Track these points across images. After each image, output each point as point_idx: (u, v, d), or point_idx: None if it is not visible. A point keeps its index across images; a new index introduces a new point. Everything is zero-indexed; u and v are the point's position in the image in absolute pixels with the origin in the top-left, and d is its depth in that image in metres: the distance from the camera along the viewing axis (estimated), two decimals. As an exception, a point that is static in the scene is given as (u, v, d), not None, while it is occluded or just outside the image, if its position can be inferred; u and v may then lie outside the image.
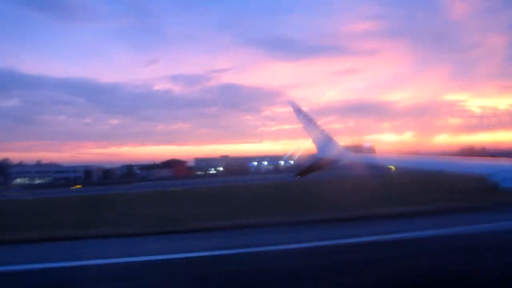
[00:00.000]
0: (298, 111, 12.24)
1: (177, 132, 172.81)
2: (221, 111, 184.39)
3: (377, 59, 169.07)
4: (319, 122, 12.07)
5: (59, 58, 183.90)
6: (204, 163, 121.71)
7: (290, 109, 12.57)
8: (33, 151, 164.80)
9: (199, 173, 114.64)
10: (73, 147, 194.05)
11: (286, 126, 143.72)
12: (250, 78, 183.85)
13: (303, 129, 12.13)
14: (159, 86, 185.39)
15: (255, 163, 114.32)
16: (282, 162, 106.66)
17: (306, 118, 12.04)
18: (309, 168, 12.90)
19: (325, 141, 11.78)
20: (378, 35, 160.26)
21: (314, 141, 11.94)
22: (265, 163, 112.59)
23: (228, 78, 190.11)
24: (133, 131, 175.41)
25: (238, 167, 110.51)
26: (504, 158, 7.16)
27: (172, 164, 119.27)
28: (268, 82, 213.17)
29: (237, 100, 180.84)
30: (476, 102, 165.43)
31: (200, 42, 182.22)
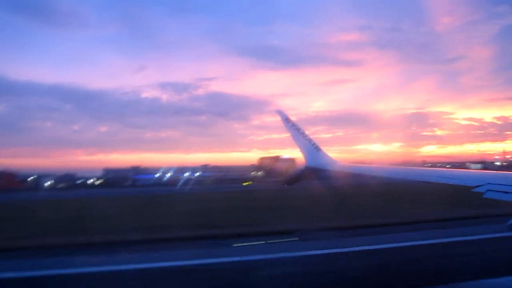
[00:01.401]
0: (286, 120, 12.30)
1: (166, 140, 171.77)
2: (210, 119, 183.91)
3: (364, 70, 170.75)
4: (307, 132, 12.15)
5: (48, 64, 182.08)
6: (113, 173, 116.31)
7: (278, 118, 12.63)
8: (19, 158, 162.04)
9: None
10: (60, 154, 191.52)
11: (275, 136, 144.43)
12: (238, 86, 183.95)
13: (291, 139, 12.17)
14: (147, 94, 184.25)
15: (158, 174, 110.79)
16: (193, 174, 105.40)
17: (294, 128, 12.10)
18: (296, 177, 12.94)
19: (313, 151, 11.84)
20: (364, 46, 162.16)
21: (301, 150, 11.99)
22: (168, 174, 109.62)
23: (216, 87, 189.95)
24: (121, 138, 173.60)
25: (121, 178, 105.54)
26: (488, 170, 7.26)
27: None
28: (256, 91, 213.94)
29: (225, 109, 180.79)
30: (462, 114, 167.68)
31: (189, 50, 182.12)
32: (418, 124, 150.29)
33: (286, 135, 12.42)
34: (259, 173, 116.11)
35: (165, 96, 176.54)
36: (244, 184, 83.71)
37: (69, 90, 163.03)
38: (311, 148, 11.96)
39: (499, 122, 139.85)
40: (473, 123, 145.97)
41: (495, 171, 6.80)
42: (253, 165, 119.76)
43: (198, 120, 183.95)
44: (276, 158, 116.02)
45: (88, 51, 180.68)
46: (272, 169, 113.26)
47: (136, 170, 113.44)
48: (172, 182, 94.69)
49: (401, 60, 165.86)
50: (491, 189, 5.76)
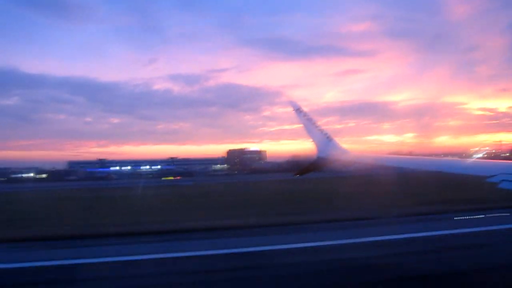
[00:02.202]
0: (298, 111, 12.24)
1: (177, 131, 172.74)
2: (221, 111, 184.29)
3: (377, 60, 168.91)
4: (319, 123, 12.08)
5: (59, 57, 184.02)
6: (78, 166, 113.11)
7: (290, 109, 12.57)
8: (33, 150, 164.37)
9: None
10: (74, 146, 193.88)
11: (286, 127, 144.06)
12: (249, 78, 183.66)
13: (303, 129, 12.13)
14: (159, 86, 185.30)
15: (116, 168, 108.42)
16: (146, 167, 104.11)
17: (306, 118, 12.05)
18: (308, 167, 12.91)
19: (325, 141, 11.78)
20: (377, 35, 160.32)
21: (313, 141, 11.94)
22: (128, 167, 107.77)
23: (227, 78, 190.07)
24: (133, 130, 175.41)
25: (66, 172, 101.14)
26: (504, 160, 7.17)
27: None
28: (267, 82, 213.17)
29: (236, 100, 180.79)
30: (476, 104, 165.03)
31: (200, 41, 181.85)
32: (431, 114, 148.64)
33: (298, 126, 12.38)
34: (223, 165, 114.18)
35: (176, 88, 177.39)
36: (164, 178, 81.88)
37: (80, 83, 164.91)
38: (323, 138, 11.91)
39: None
40: (487, 113, 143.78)
41: (510, 161, 6.69)
42: (223, 157, 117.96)
43: (209, 111, 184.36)
44: (243, 151, 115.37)
45: (99, 44, 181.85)
46: (239, 161, 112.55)
47: (102, 163, 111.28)
48: (125, 175, 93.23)
49: (414, 50, 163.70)
50: (506, 179, 5.69)
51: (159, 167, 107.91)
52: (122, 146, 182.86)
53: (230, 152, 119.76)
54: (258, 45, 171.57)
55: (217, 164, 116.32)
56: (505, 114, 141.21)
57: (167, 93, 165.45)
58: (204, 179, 77.80)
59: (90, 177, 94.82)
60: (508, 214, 17.74)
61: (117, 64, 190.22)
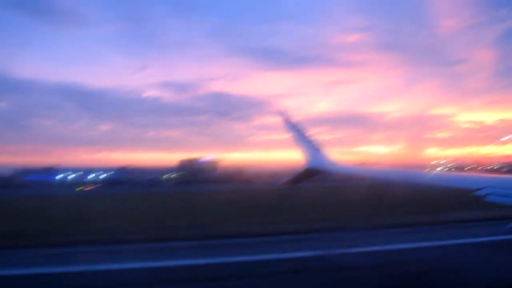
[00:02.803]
0: (288, 121, 12.31)
1: (168, 139, 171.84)
2: (211, 119, 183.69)
3: (366, 71, 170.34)
4: (309, 133, 12.15)
5: (50, 62, 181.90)
6: (23, 173, 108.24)
7: (280, 119, 12.64)
8: (22, 155, 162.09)
9: None
10: (62, 152, 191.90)
11: (276, 136, 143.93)
12: (240, 87, 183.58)
13: (293, 139, 12.18)
14: (149, 93, 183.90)
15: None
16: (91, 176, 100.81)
17: (295, 129, 12.11)
18: (297, 178, 12.94)
19: (315, 152, 11.84)
20: (367, 47, 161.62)
21: (303, 151, 11.99)
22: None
23: (218, 87, 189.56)
24: (123, 137, 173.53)
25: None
26: (490, 173, 7.28)
27: None
28: (258, 91, 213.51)
29: (227, 109, 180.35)
30: (464, 117, 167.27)
31: (191, 50, 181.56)
32: (420, 126, 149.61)
33: (288, 136, 12.43)
34: (173, 175, 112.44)
35: (166, 96, 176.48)
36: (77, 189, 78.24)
37: (71, 89, 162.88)
38: (313, 149, 11.97)
39: (501, 125, 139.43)
40: (474, 125, 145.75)
41: (496, 175, 6.79)
42: (176, 166, 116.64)
43: (199, 120, 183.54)
44: (196, 160, 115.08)
45: (89, 50, 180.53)
46: (192, 171, 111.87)
47: (49, 170, 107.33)
48: (60, 184, 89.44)
49: (403, 62, 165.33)
50: (492, 193, 5.77)
51: (104, 175, 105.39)
52: (112, 152, 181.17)
53: (183, 162, 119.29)
54: (249, 54, 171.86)
55: (172, 173, 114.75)
56: (492, 127, 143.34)
57: (157, 101, 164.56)
58: (122, 189, 69.26)
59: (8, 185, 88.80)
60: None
61: (107, 71, 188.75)
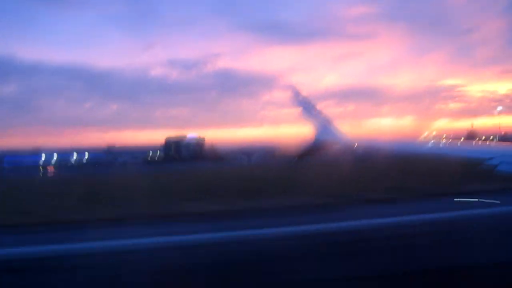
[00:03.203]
0: (297, 95, 12.25)
1: (177, 117, 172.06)
2: (219, 96, 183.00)
3: (374, 43, 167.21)
4: (317, 107, 12.09)
5: (56, 44, 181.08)
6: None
7: (289, 93, 12.57)
8: (32, 137, 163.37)
9: None
10: (72, 133, 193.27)
11: (286, 111, 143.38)
12: (247, 62, 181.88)
13: (302, 114, 12.14)
14: (156, 71, 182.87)
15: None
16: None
17: (305, 102, 12.05)
18: (307, 151, 12.96)
19: (324, 125, 11.79)
20: (374, 18, 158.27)
21: (313, 125, 11.96)
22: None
23: (225, 63, 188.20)
24: (132, 115, 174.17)
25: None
26: (502, 142, 7.23)
27: None
28: (265, 66, 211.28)
29: (234, 85, 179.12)
30: (475, 87, 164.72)
31: (197, 26, 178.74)
32: (430, 97, 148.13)
33: (297, 110, 12.38)
34: (158, 154, 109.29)
35: (174, 73, 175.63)
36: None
37: (77, 69, 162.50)
38: (322, 122, 11.93)
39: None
40: (487, 95, 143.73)
41: (509, 145, 6.75)
42: (162, 145, 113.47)
43: (207, 96, 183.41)
44: (180, 138, 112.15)
45: (94, 30, 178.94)
46: (176, 149, 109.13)
47: (37, 151, 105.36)
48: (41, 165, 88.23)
49: (412, 33, 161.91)
50: (505, 162, 5.74)
51: (87, 156, 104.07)
52: (122, 132, 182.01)
53: (168, 140, 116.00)
54: (255, 29, 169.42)
55: (158, 152, 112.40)
56: (506, 96, 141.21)
57: (165, 79, 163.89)
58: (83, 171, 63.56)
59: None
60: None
61: (113, 50, 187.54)
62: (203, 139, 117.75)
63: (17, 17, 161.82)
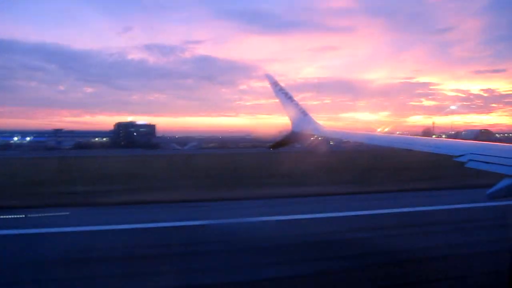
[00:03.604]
0: (274, 84, 12.23)
1: (153, 102, 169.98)
2: (197, 83, 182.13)
3: (354, 37, 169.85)
4: (295, 98, 12.12)
5: (30, 22, 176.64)
6: None
7: (266, 83, 12.54)
8: (3, 117, 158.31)
9: None
10: (46, 115, 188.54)
11: (263, 101, 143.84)
12: (226, 50, 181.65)
13: (279, 104, 12.15)
14: (133, 55, 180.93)
15: None
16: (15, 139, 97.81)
17: (282, 92, 12.06)
18: (282, 141, 13.02)
19: (300, 116, 11.86)
20: (355, 12, 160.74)
21: (289, 115, 12.00)
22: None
23: (203, 50, 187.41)
24: (108, 100, 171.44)
25: None
26: (470, 140, 7.44)
27: None
28: (244, 55, 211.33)
29: (213, 73, 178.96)
30: (449, 85, 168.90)
31: (176, 12, 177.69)
32: (406, 93, 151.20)
33: (274, 100, 12.38)
34: (104, 139, 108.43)
35: (151, 59, 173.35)
36: None
37: (53, 50, 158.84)
38: (299, 113, 11.97)
39: (485, 95, 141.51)
40: (460, 94, 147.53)
41: (478, 141, 6.93)
42: (111, 130, 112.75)
43: (185, 83, 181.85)
44: (130, 124, 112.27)
45: (72, 10, 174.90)
46: (125, 135, 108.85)
47: None
48: None
49: (391, 29, 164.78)
50: (473, 159, 5.89)
51: (28, 138, 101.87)
52: (96, 116, 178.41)
53: (118, 125, 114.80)
54: (235, 17, 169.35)
55: (106, 137, 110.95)
56: (477, 96, 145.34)
57: (142, 63, 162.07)
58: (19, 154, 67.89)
59: None
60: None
61: (90, 32, 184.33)
62: (153, 126, 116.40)
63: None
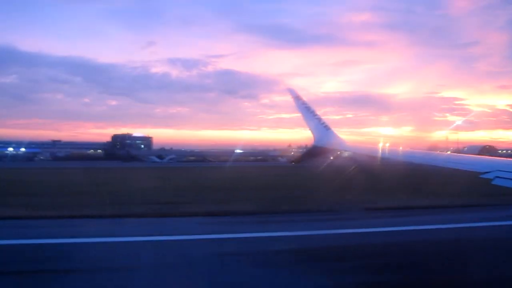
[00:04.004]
0: (296, 99, 12.25)
1: (175, 115, 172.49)
2: (219, 96, 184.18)
3: (376, 52, 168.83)
4: (317, 112, 12.10)
5: (57, 36, 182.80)
6: None
7: (288, 97, 12.58)
8: (30, 129, 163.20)
9: None
10: (72, 127, 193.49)
11: (284, 115, 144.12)
12: (248, 64, 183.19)
13: (301, 118, 12.16)
14: (157, 69, 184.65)
15: None
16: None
17: (304, 107, 12.07)
18: (304, 155, 13.00)
19: (323, 130, 11.82)
20: (377, 27, 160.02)
21: (311, 129, 11.98)
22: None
23: (226, 64, 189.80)
24: (131, 112, 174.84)
25: None
26: (497, 157, 7.27)
27: None
28: (266, 69, 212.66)
29: (235, 87, 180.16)
30: (474, 100, 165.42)
31: (199, 26, 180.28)
32: (429, 108, 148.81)
33: (296, 114, 12.40)
34: (98, 150, 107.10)
35: (174, 72, 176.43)
36: None
37: (78, 63, 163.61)
38: (321, 127, 11.94)
39: None
40: (485, 109, 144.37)
41: (504, 158, 6.76)
42: (108, 142, 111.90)
43: (207, 97, 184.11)
44: (128, 136, 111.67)
45: (96, 25, 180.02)
46: (121, 147, 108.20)
47: None
48: None
49: (414, 43, 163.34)
50: (500, 176, 5.74)
51: (23, 149, 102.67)
52: (120, 128, 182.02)
53: (115, 137, 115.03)
54: (257, 32, 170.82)
55: (102, 149, 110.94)
56: (503, 112, 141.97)
57: (165, 77, 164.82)
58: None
59: None
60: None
61: (115, 46, 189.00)
62: (149, 138, 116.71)
63: (19, 8, 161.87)
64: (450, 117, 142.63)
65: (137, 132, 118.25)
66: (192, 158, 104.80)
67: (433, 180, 23.83)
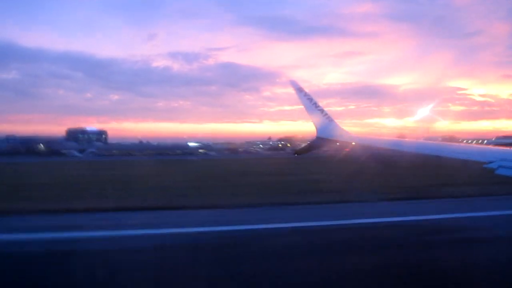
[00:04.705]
0: (299, 90, 12.20)
1: (177, 109, 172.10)
2: (221, 90, 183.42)
3: (378, 42, 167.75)
4: (319, 104, 12.06)
5: (58, 31, 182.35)
6: None
7: (290, 89, 12.52)
8: (32, 124, 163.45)
9: None
10: (74, 121, 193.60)
11: (287, 107, 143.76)
12: (249, 57, 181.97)
13: (303, 110, 12.12)
14: (158, 63, 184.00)
15: None
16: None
17: (307, 98, 12.02)
18: (307, 147, 12.99)
19: (325, 122, 11.79)
20: (379, 17, 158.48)
21: (313, 121, 11.95)
22: None
23: (227, 57, 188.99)
24: (133, 107, 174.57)
25: None
26: (502, 146, 7.25)
27: None
28: (268, 62, 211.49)
29: (236, 80, 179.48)
30: (477, 90, 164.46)
31: (200, 19, 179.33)
32: (432, 99, 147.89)
33: (299, 106, 12.36)
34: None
35: (175, 66, 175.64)
36: None
37: (79, 58, 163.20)
38: (323, 119, 11.91)
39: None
40: (488, 99, 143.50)
41: (508, 148, 6.74)
42: (63, 136, 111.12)
43: (209, 90, 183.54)
44: (82, 130, 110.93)
45: (97, 19, 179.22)
46: (75, 141, 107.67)
47: None
48: None
49: (416, 34, 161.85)
50: (504, 165, 5.74)
51: None
52: (122, 122, 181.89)
53: (69, 131, 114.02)
54: (258, 24, 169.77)
55: (59, 143, 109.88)
56: (507, 101, 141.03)
57: (166, 71, 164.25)
58: None
59: None
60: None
61: (115, 40, 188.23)
62: (104, 132, 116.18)
63: (20, 4, 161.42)
64: (453, 107, 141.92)
65: (91, 126, 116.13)
66: (115, 152, 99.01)
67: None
